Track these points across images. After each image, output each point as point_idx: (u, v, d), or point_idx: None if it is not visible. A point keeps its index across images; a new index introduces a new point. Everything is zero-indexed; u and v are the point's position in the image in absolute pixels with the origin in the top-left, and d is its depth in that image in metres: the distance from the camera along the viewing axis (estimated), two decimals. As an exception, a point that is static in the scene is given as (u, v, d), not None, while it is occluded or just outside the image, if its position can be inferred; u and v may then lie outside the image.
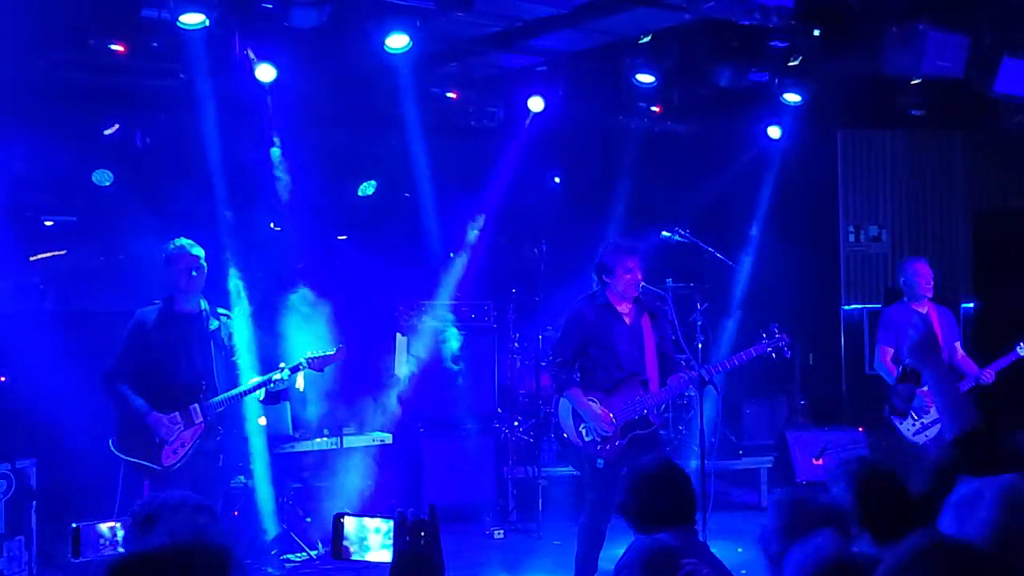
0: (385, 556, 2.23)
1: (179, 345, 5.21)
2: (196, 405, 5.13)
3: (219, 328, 5.33)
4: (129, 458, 5.13)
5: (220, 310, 5.42)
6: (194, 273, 5.20)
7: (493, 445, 7.67)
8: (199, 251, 5.27)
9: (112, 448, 5.16)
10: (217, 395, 5.20)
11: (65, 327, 6.61)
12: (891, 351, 6.41)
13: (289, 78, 6.54)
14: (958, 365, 6.43)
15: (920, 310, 6.44)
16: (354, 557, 2.25)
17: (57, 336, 6.57)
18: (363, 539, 2.25)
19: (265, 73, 6.38)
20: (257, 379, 5.28)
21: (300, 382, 5.41)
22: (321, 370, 5.44)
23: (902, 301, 6.67)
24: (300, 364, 5.31)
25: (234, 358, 5.34)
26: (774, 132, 8.25)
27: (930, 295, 6.56)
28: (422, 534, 2.17)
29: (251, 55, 6.21)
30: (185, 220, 6.77)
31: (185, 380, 5.17)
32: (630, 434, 5.29)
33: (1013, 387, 6.51)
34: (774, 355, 5.51)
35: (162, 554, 1.92)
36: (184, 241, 5.27)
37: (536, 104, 7.66)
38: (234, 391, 5.24)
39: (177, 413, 5.12)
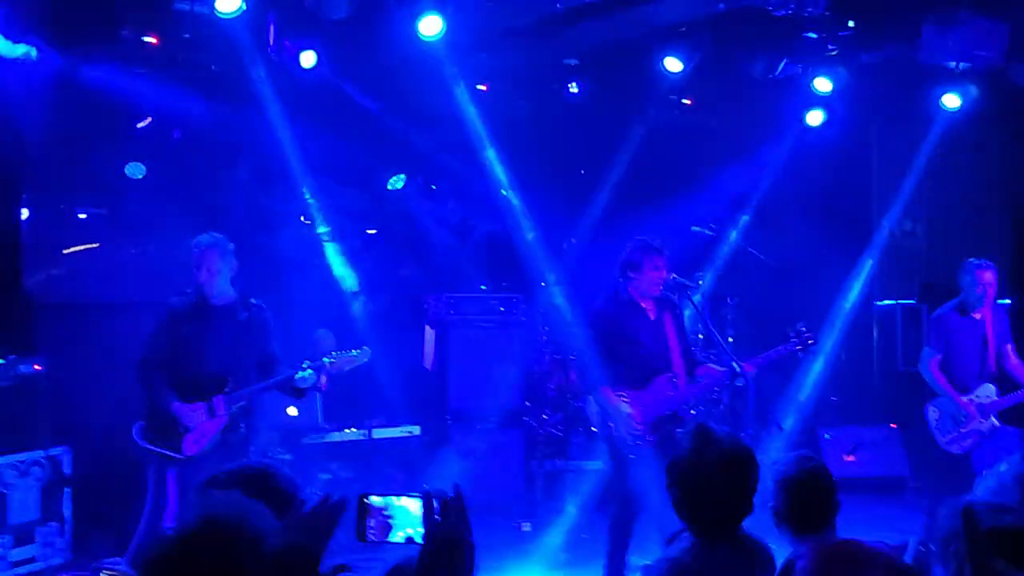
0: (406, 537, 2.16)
1: (207, 336, 5.17)
2: (220, 397, 5.12)
3: (249, 319, 5.25)
4: (151, 447, 5.11)
5: (253, 300, 5.33)
6: (220, 269, 5.17)
7: (521, 438, 7.65)
8: (226, 245, 5.21)
9: (135, 437, 5.16)
10: (241, 388, 5.18)
11: (98, 318, 6.67)
12: (939, 357, 6.07)
13: (322, 69, 6.54)
14: (1011, 372, 6.06)
15: (976, 316, 6.05)
16: (378, 539, 2.18)
17: (91, 327, 6.63)
18: (389, 520, 2.21)
19: (306, 59, 6.36)
20: (280, 377, 5.24)
21: (323, 380, 5.35)
22: (344, 371, 5.41)
23: (958, 305, 6.11)
24: (323, 365, 5.25)
25: (268, 348, 5.27)
26: (814, 117, 8.08)
27: (992, 303, 6.09)
28: (450, 514, 2.13)
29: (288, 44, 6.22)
30: (216, 212, 6.81)
31: (210, 371, 5.14)
32: (663, 430, 5.26)
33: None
34: (801, 351, 5.57)
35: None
36: (210, 237, 5.20)
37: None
38: (255, 387, 5.20)
39: (201, 404, 5.11)
